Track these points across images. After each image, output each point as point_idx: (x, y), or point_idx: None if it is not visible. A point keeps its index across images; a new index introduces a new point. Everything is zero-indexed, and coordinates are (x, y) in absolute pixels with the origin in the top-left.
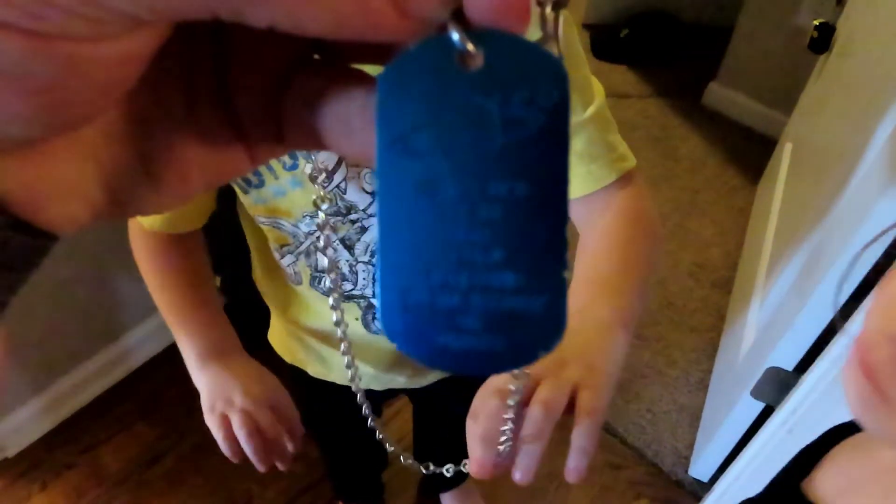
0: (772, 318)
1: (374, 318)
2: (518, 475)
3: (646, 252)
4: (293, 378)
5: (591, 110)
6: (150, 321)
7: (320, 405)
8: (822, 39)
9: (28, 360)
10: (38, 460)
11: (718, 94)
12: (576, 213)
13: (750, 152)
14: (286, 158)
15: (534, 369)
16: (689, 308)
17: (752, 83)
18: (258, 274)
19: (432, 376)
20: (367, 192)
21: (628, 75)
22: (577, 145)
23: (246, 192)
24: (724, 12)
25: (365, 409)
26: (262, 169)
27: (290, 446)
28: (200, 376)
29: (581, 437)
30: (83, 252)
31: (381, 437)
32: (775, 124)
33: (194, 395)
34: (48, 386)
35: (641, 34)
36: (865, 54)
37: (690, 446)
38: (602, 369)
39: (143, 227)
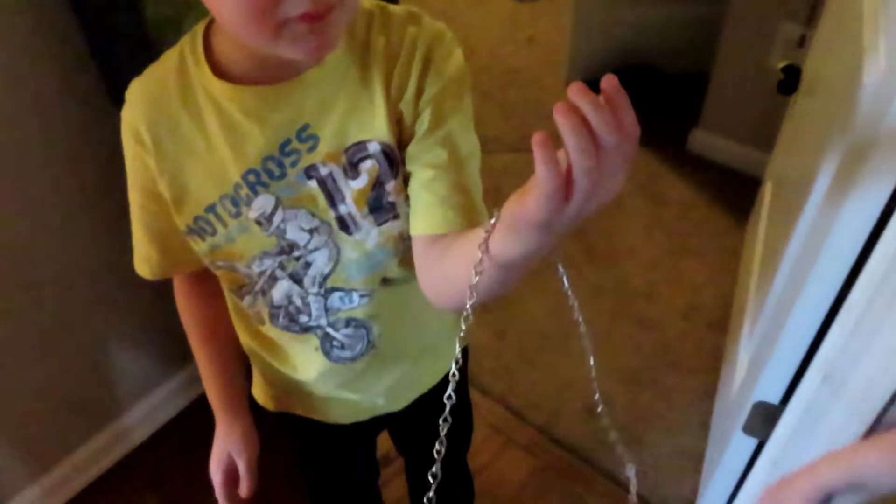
0: (756, 352)
1: (332, 346)
2: None
3: None
4: (285, 428)
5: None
6: (149, 397)
7: (316, 449)
8: (790, 81)
9: (24, 449)
10: None
11: (702, 140)
12: (418, 247)
13: (737, 193)
14: (231, 207)
15: None
16: (686, 350)
17: (734, 126)
18: (237, 329)
19: (409, 394)
20: (304, 231)
21: None
22: (442, 190)
23: (203, 240)
24: (701, 59)
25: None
26: (211, 218)
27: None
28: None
29: None
30: (67, 348)
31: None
32: (760, 165)
33: (200, 464)
34: (49, 469)
35: (624, 87)
36: (825, 93)
37: (695, 490)
38: None
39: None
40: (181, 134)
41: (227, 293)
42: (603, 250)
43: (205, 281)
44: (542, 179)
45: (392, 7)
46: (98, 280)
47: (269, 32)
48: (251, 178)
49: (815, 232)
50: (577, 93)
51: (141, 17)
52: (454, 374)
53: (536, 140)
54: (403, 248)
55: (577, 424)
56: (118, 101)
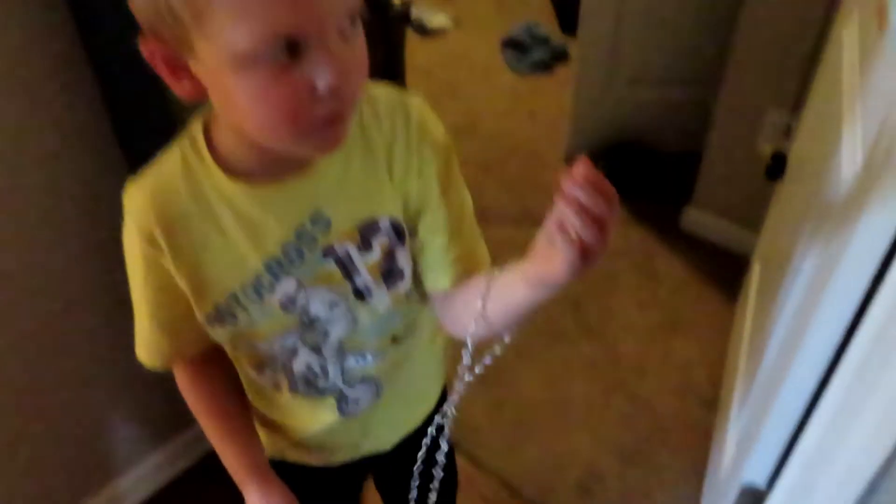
0: (744, 432)
1: (346, 403)
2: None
3: None
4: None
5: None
6: (144, 462)
7: (306, 492)
8: (777, 167)
9: None
10: None
11: (695, 218)
12: (438, 297)
13: (729, 272)
14: (253, 294)
15: None
16: (677, 428)
17: (726, 206)
18: (248, 394)
19: (397, 434)
20: (325, 305)
21: None
22: (455, 250)
23: (223, 327)
24: (695, 139)
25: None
26: (233, 305)
27: None
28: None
29: None
30: (62, 409)
31: None
32: (751, 244)
33: None
34: None
35: (618, 165)
36: (808, 180)
37: None
38: None
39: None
40: (196, 232)
41: (242, 368)
42: (597, 325)
43: (210, 360)
44: (568, 254)
45: (375, 90)
46: (96, 345)
47: (298, 134)
48: (272, 265)
49: (798, 317)
50: (572, 187)
51: (166, 93)
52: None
53: (555, 227)
54: (407, 306)
55: (570, 500)
56: (129, 159)
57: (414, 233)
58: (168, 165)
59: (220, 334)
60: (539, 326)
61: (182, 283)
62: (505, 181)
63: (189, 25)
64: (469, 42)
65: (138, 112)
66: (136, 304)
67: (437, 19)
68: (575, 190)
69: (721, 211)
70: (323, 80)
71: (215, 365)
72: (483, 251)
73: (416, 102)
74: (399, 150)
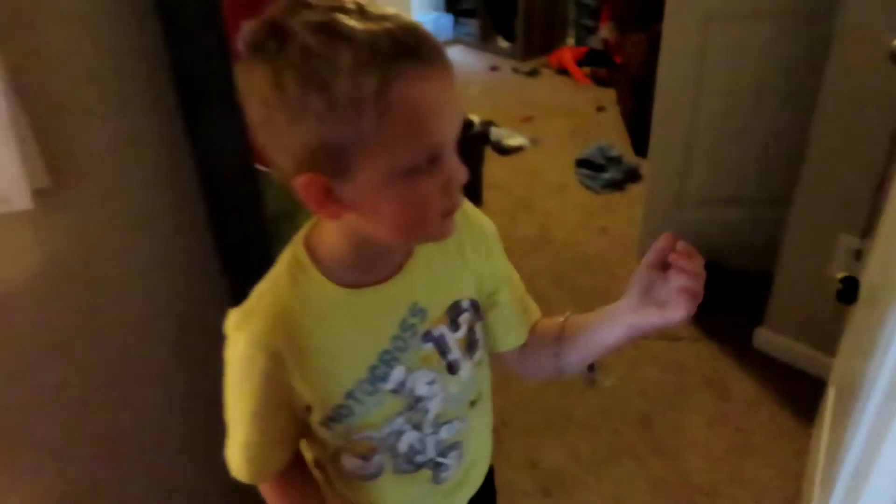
0: None
1: (441, 472)
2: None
3: None
4: None
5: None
6: None
7: None
8: (848, 291)
9: None
10: None
11: (767, 338)
12: (509, 353)
13: (804, 394)
14: (368, 387)
15: None
16: None
17: (798, 328)
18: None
19: (468, 494)
20: (427, 384)
21: None
22: (518, 311)
23: (340, 423)
24: (766, 259)
25: None
26: (350, 402)
27: None
28: None
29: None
30: None
31: None
32: (825, 367)
33: None
34: None
35: None
36: (882, 306)
37: None
38: None
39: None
40: (316, 342)
41: (337, 464)
42: (666, 443)
43: (293, 465)
44: (690, 307)
45: None
46: None
47: (426, 226)
48: (386, 358)
49: (868, 446)
50: (680, 260)
51: (262, 210)
52: None
53: (685, 289)
54: (479, 371)
55: None
56: (228, 271)
57: (487, 307)
58: (280, 287)
59: (335, 431)
60: (606, 440)
61: (306, 394)
62: (575, 293)
63: (353, 156)
64: (545, 160)
65: (245, 252)
66: (241, 425)
67: (514, 139)
68: (683, 262)
69: (794, 332)
70: (459, 178)
71: (295, 469)
72: (531, 302)
73: (477, 209)
74: (466, 240)
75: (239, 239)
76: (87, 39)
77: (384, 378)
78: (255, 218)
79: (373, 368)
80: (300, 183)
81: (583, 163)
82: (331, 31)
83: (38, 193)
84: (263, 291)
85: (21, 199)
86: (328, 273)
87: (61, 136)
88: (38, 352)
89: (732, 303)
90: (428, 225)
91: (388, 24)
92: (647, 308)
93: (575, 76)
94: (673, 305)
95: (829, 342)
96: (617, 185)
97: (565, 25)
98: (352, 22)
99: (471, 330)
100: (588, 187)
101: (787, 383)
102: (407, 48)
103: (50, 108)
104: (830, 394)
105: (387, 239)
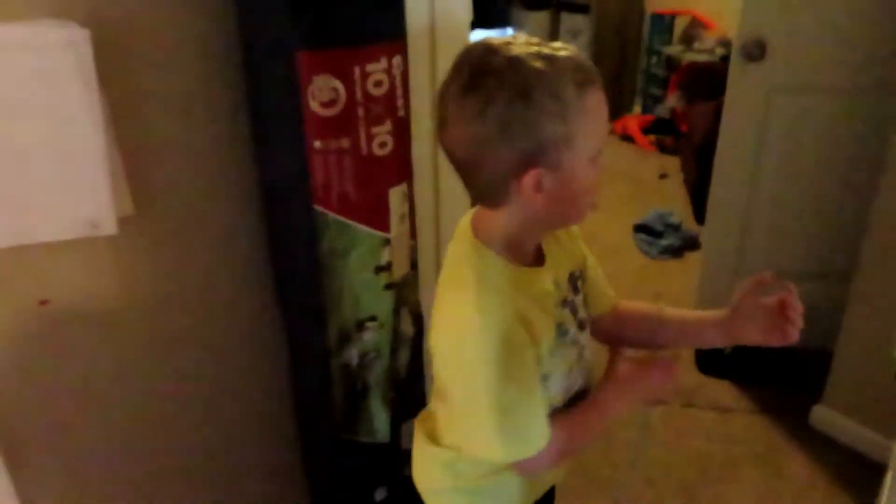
0: None
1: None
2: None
3: None
4: None
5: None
6: None
7: None
8: None
9: None
10: None
11: (825, 417)
12: (606, 316)
13: (861, 478)
14: (558, 341)
15: None
16: None
17: (858, 408)
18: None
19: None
20: (576, 345)
21: (732, 390)
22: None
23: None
24: (826, 336)
25: None
26: (550, 361)
27: None
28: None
29: None
30: None
31: None
32: (886, 450)
33: None
34: None
35: (746, 352)
36: None
37: None
38: None
39: None
40: (525, 313)
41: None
42: None
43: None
44: (796, 334)
45: None
46: None
47: (580, 214)
48: (557, 320)
49: None
50: (789, 291)
51: (316, 247)
52: None
53: (786, 322)
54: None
55: None
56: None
57: (582, 279)
58: (488, 272)
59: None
60: None
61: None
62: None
63: (563, 148)
64: (603, 224)
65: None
66: (526, 397)
67: None
68: (790, 296)
69: (853, 412)
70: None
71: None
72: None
73: None
74: (573, 230)
75: (293, 271)
76: (175, 80)
77: (563, 336)
78: (309, 253)
79: (554, 330)
80: (529, 177)
81: (641, 228)
82: (547, 58)
83: (123, 220)
84: (479, 281)
85: (108, 226)
86: (500, 256)
87: (146, 168)
88: (112, 367)
89: (790, 378)
90: (582, 211)
91: (567, 54)
92: (747, 324)
93: (639, 143)
94: (788, 329)
95: (890, 424)
96: (675, 252)
97: (633, 94)
98: (551, 52)
99: (582, 293)
100: (645, 252)
101: (843, 465)
102: (586, 69)
103: (139, 142)
104: (889, 477)
105: (542, 225)
